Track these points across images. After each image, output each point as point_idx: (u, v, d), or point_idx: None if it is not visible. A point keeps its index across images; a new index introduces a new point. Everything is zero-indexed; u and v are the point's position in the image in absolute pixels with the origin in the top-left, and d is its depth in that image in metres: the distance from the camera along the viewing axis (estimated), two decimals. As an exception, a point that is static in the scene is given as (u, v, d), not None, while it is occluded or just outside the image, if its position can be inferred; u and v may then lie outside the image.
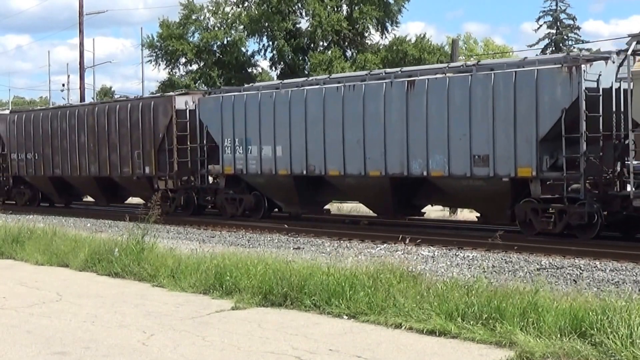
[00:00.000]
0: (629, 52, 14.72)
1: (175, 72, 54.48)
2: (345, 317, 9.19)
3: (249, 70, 54.87)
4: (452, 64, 19.67)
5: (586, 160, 15.12)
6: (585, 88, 14.94)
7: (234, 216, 21.75)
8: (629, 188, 14.87)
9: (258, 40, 52.63)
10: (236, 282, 10.68)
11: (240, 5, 52.75)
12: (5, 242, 16.35)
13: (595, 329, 7.26)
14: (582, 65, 14.94)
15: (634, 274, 11.82)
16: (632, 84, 14.71)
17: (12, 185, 30.50)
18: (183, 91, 25.52)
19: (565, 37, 72.49)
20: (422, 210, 20.29)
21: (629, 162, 14.80)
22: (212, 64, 52.10)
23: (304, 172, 19.90)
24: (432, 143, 17.18)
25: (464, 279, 9.69)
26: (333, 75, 22.12)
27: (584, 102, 14.94)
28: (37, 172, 28.39)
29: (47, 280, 12.67)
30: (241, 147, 21.24)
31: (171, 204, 23.34)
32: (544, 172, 15.69)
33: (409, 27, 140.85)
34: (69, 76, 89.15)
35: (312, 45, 50.89)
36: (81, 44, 40.14)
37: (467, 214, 24.50)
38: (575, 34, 74.09)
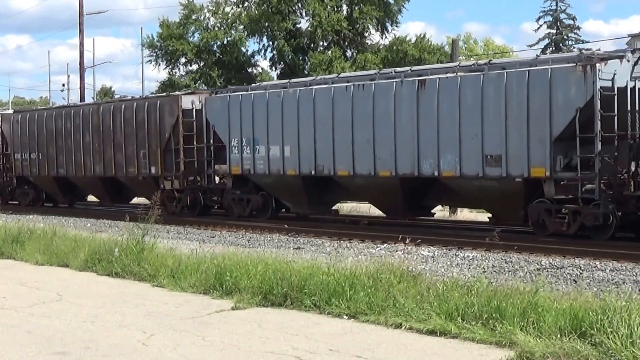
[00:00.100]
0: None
1: (175, 72, 54.46)
2: (345, 317, 9.16)
3: (249, 70, 54.83)
4: (463, 63, 19.51)
5: (601, 160, 15.00)
6: (600, 87, 14.81)
7: (241, 217, 21.60)
8: (643, 188, 14.79)
9: (258, 40, 52.63)
10: (236, 282, 10.65)
11: (240, 5, 52.67)
12: (6, 242, 16.27)
13: (595, 329, 7.24)
14: (597, 64, 14.82)
15: (634, 274, 11.79)
16: (647, 83, 14.67)
17: (16, 186, 30.38)
18: (189, 91, 25.41)
19: (565, 37, 72.61)
20: (432, 211, 20.18)
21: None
22: (212, 64, 51.99)
23: (313, 172, 19.77)
24: (443, 143, 17.05)
25: (464, 279, 9.66)
26: (342, 75, 21.97)
27: (598, 102, 14.82)
28: (41, 172, 28.21)
29: (47, 280, 12.61)
30: (249, 147, 21.10)
31: (177, 204, 23.26)
32: (558, 172, 15.57)
33: (409, 27, 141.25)
34: (69, 76, 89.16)
35: (312, 45, 50.79)
36: (81, 44, 40.03)
37: (467, 214, 24.44)
38: (575, 34, 74.31)
